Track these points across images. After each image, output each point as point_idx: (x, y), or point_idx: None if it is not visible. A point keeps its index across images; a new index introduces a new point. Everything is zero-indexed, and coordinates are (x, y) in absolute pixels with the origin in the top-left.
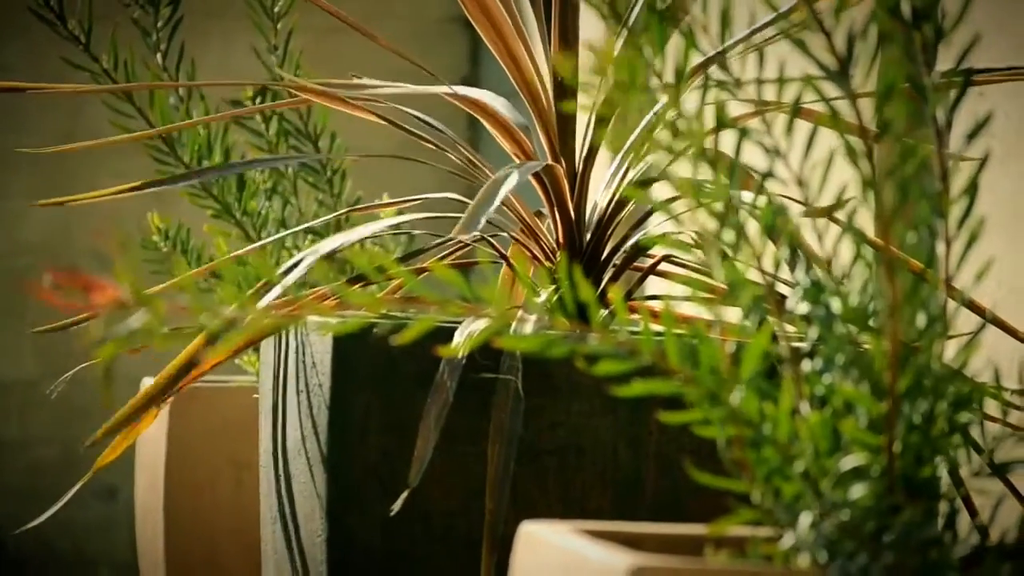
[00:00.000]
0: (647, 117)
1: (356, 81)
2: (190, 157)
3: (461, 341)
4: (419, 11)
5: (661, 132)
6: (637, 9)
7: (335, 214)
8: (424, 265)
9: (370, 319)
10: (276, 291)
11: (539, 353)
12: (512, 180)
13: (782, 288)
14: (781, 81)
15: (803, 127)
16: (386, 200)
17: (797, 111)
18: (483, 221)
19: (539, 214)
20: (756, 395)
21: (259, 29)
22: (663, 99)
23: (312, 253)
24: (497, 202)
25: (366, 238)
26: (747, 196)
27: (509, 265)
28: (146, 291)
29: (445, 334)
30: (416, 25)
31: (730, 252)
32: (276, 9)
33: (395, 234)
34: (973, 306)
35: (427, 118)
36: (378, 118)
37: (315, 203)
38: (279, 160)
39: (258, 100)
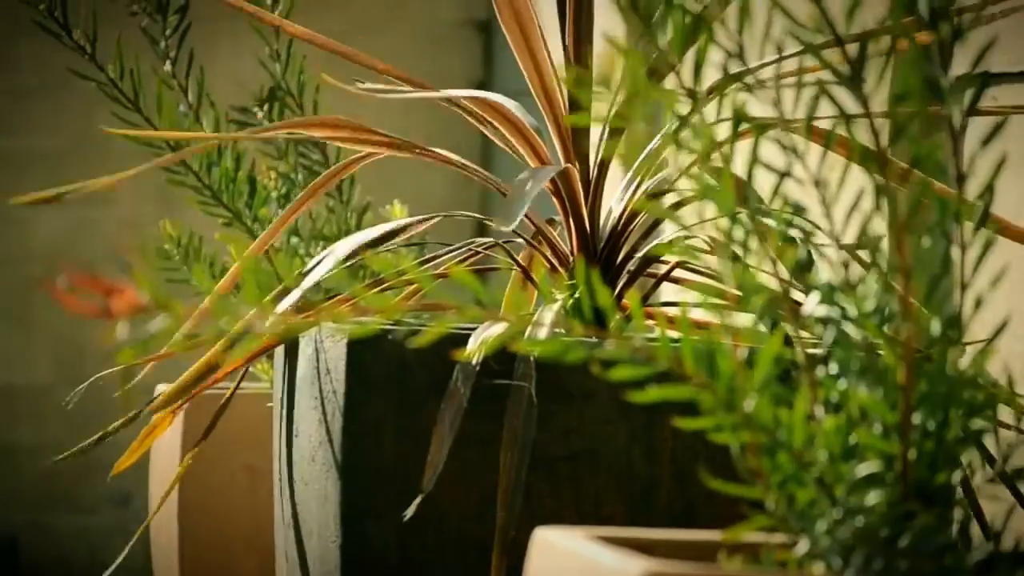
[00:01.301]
0: (667, 127)
1: (368, 85)
2: (199, 165)
3: (476, 345)
4: (432, 14)
5: (679, 136)
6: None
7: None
8: (440, 271)
9: (385, 326)
10: (296, 294)
11: (555, 358)
12: (537, 178)
13: (797, 294)
14: (799, 85)
15: (820, 131)
16: (397, 208)
17: (811, 122)
18: (521, 214)
19: (551, 221)
20: (770, 401)
21: (260, 34)
22: (680, 104)
23: (329, 254)
24: (530, 196)
25: (378, 238)
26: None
27: (523, 271)
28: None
29: (460, 340)
30: (429, 28)
31: (742, 256)
32: (276, 13)
33: (408, 245)
34: None
35: (436, 150)
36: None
37: (325, 209)
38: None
39: (265, 107)
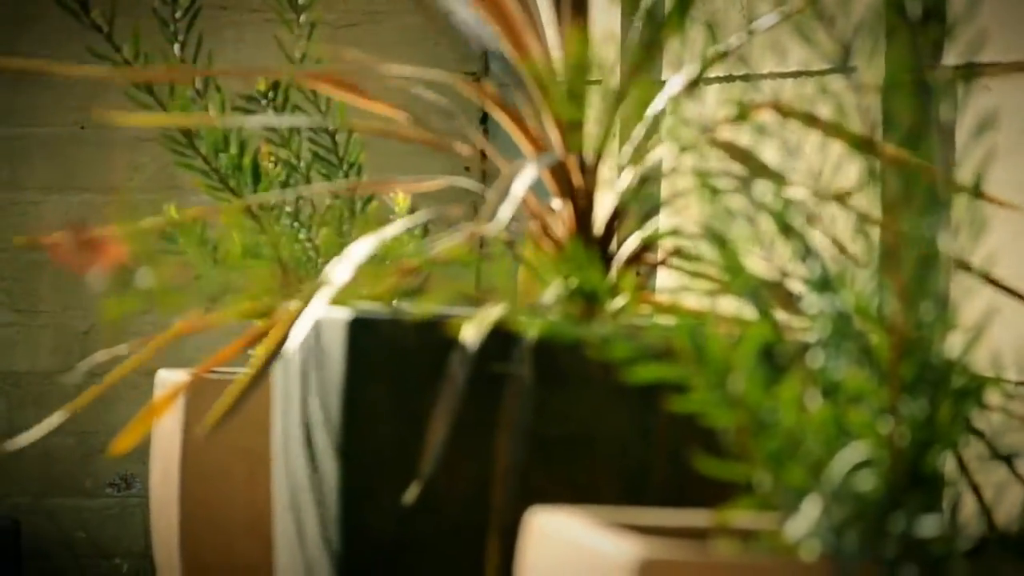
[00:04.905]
0: (657, 109)
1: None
2: (207, 149)
3: (474, 324)
4: (430, 4)
5: (672, 123)
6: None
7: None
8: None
9: (383, 309)
10: (328, 289)
11: (550, 337)
12: (526, 175)
13: (792, 280)
14: (798, 74)
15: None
16: (400, 197)
17: (810, 113)
18: (506, 216)
19: (551, 208)
20: (758, 380)
21: (283, 22)
22: (674, 91)
23: (348, 257)
24: (514, 197)
25: (378, 182)
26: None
27: (519, 257)
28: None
29: (458, 327)
30: (427, 20)
31: (729, 242)
32: (300, 2)
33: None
34: (989, 279)
35: (440, 101)
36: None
37: (329, 196)
38: (287, 121)
39: (271, 93)
